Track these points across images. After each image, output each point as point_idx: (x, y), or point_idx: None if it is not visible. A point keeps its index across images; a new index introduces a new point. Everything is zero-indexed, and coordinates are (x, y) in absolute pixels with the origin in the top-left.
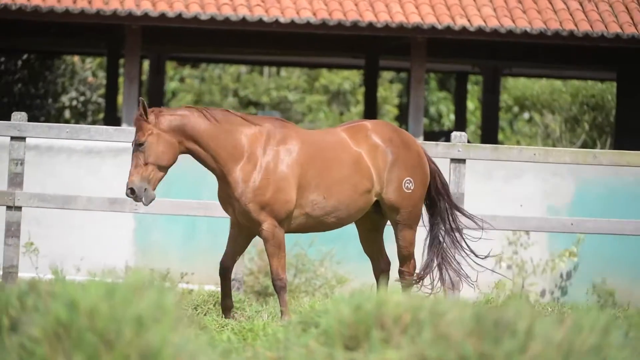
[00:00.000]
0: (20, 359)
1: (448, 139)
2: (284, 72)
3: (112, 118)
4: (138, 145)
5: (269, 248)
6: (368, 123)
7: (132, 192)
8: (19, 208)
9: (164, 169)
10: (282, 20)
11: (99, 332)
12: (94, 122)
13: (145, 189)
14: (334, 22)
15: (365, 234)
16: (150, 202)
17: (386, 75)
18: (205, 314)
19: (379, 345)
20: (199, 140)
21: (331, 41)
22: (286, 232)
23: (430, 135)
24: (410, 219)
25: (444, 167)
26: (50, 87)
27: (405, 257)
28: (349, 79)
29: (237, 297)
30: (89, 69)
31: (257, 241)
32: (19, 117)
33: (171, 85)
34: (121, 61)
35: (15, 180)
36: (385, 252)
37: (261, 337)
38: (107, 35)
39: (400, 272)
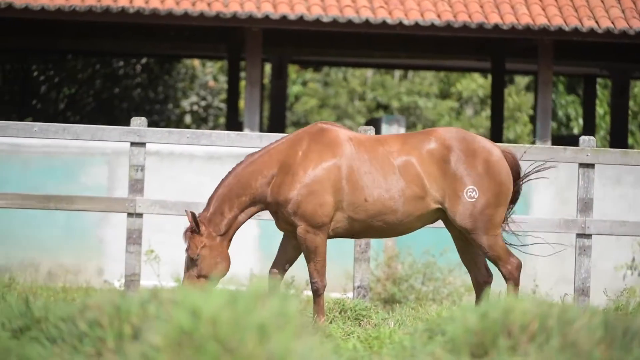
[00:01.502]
0: None
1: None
2: (415, 77)
3: (233, 123)
4: (192, 259)
5: (304, 251)
6: (437, 129)
7: None
8: (140, 215)
9: (218, 279)
10: (405, 22)
11: (221, 340)
12: (215, 127)
13: None
14: (459, 24)
15: (457, 242)
16: None
17: (521, 81)
18: (330, 322)
19: (506, 353)
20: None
21: (457, 43)
22: (333, 236)
23: (560, 141)
24: (480, 227)
25: (573, 172)
26: (170, 92)
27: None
28: (482, 86)
29: (363, 304)
30: (209, 73)
31: (384, 248)
32: (138, 123)
33: (294, 89)
34: (242, 64)
35: (136, 186)
36: (484, 262)
37: (387, 345)
38: (227, 39)
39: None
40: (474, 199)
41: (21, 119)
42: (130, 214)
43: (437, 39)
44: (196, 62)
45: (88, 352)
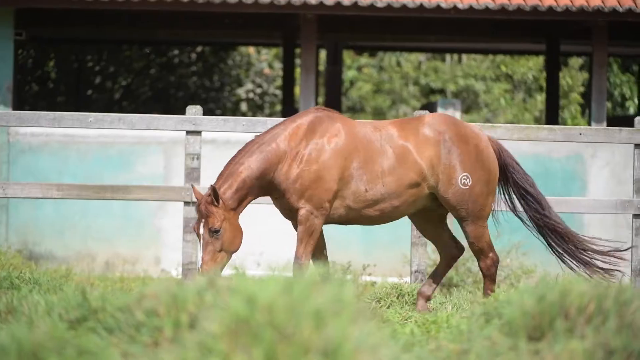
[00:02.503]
0: (199, 354)
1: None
2: (467, 60)
3: (289, 110)
4: (213, 232)
5: (299, 231)
6: (426, 116)
7: None
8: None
9: (234, 252)
10: (460, 6)
11: (277, 327)
12: (271, 115)
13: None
14: (513, 7)
15: (416, 220)
16: None
17: (574, 62)
18: (388, 307)
19: (563, 336)
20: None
21: (511, 27)
22: (326, 222)
23: (615, 121)
24: (472, 215)
25: (629, 153)
26: (225, 80)
27: (478, 252)
28: (532, 69)
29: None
30: (264, 60)
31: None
32: (194, 111)
33: (349, 74)
34: (297, 51)
35: (192, 175)
36: (451, 236)
37: (444, 329)
38: (282, 25)
39: (481, 269)
40: (468, 187)
41: (77, 109)
42: (186, 203)
43: (491, 22)
44: (251, 50)
45: (145, 341)
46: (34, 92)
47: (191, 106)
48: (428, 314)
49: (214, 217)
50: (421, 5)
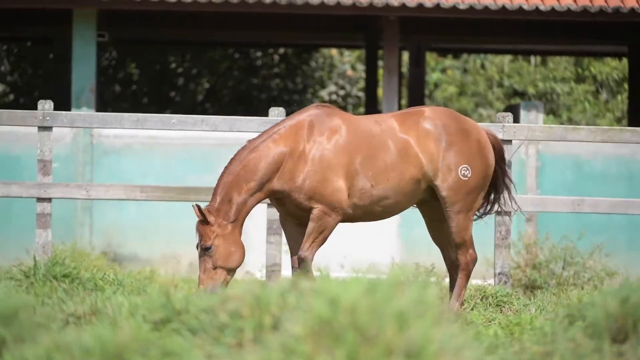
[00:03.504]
0: (282, 356)
1: None
2: (550, 61)
3: (372, 111)
4: (205, 249)
5: (310, 227)
6: (425, 109)
7: None
8: None
9: (235, 269)
10: (542, 8)
11: (360, 329)
12: None
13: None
14: (595, 9)
15: (431, 224)
16: None
17: None
18: (472, 309)
19: None
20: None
21: (593, 28)
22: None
23: None
24: (464, 206)
25: None
26: (308, 82)
27: (459, 245)
28: (617, 68)
29: (504, 291)
30: (347, 62)
31: (524, 233)
32: (276, 113)
33: (433, 76)
34: (380, 53)
35: None
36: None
37: (528, 331)
38: (364, 27)
39: (455, 260)
40: (467, 178)
41: (160, 111)
42: (270, 205)
43: (573, 24)
44: (334, 51)
45: (229, 342)
46: (117, 93)
47: (274, 108)
48: (512, 316)
49: (205, 236)
50: (503, 7)
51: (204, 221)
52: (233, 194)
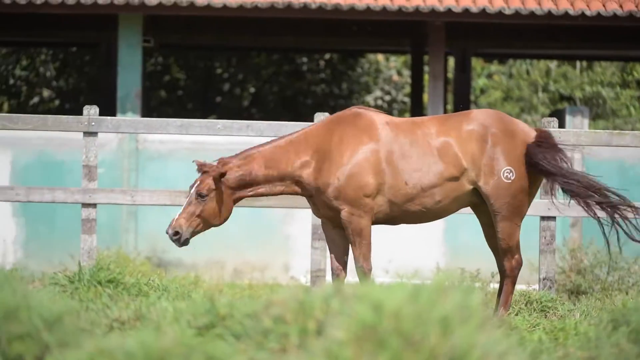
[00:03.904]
0: None
1: None
2: (597, 66)
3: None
4: (199, 196)
5: (348, 235)
6: (472, 111)
7: (175, 234)
8: None
9: (212, 226)
10: (587, 13)
11: (404, 334)
12: None
13: (186, 239)
14: None
15: (484, 228)
16: (182, 247)
17: None
18: (516, 314)
19: None
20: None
21: (638, 32)
22: (375, 222)
23: None
24: (509, 211)
25: None
26: (354, 87)
27: (505, 251)
28: None
29: (549, 296)
30: (393, 67)
31: (568, 238)
32: (322, 118)
33: (479, 82)
34: (425, 58)
35: None
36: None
37: (572, 336)
38: (410, 33)
39: (501, 268)
40: (510, 181)
41: (205, 116)
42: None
43: (618, 28)
44: (380, 57)
45: (272, 348)
46: (162, 99)
47: (319, 113)
48: (556, 321)
49: (204, 183)
50: (549, 12)
51: (212, 172)
52: (249, 167)
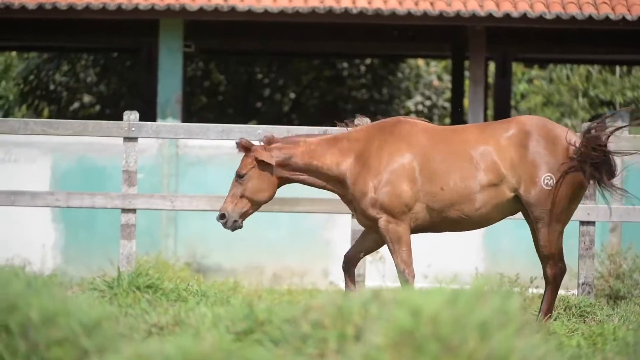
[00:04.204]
0: None
1: None
2: (637, 71)
3: (458, 122)
4: (238, 176)
5: (387, 244)
6: (514, 118)
7: (222, 217)
8: None
9: (259, 204)
10: (628, 17)
11: (442, 339)
12: None
13: (235, 221)
14: None
15: (533, 235)
16: (235, 230)
17: None
18: (554, 319)
19: None
20: (303, 170)
21: None
22: (415, 230)
23: None
24: (550, 218)
25: None
26: (394, 92)
27: (547, 258)
28: None
29: (587, 301)
30: (433, 72)
31: (605, 245)
32: (363, 123)
33: (520, 87)
34: (466, 64)
35: None
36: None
37: (611, 341)
38: (450, 38)
39: (544, 274)
40: (551, 187)
41: (245, 121)
42: (354, 215)
43: None
44: (420, 62)
45: (311, 353)
46: (203, 104)
47: (360, 118)
48: (595, 326)
49: (244, 163)
50: (590, 17)
51: (246, 149)
52: (294, 152)
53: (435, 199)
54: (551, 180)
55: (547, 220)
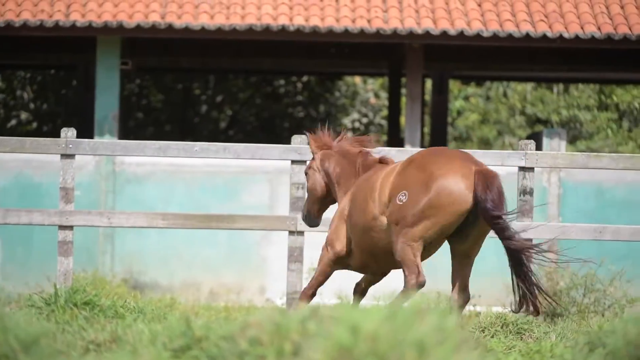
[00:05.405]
0: None
1: None
2: (573, 89)
3: (395, 139)
4: (305, 175)
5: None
6: (414, 154)
7: (302, 216)
8: (301, 233)
9: (317, 200)
10: (566, 35)
11: (380, 356)
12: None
13: (305, 216)
14: (619, 37)
15: (451, 261)
16: (312, 226)
17: None
18: (492, 336)
19: None
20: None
21: (616, 55)
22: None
23: None
24: (398, 229)
25: None
26: (331, 109)
27: (401, 264)
28: (638, 97)
29: (525, 318)
30: (370, 89)
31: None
32: (299, 141)
33: (456, 104)
34: (403, 81)
35: (297, 204)
36: (464, 284)
37: (548, 358)
38: (388, 55)
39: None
40: (402, 202)
41: (183, 138)
42: (291, 232)
43: (597, 51)
44: (357, 79)
45: None
46: (140, 121)
47: (296, 135)
48: (532, 343)
49: (308, 164)
50: (527, 35)
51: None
52: (327, 163)
53: (353, 231)
54: (404, 197)
55: (397, 230)
